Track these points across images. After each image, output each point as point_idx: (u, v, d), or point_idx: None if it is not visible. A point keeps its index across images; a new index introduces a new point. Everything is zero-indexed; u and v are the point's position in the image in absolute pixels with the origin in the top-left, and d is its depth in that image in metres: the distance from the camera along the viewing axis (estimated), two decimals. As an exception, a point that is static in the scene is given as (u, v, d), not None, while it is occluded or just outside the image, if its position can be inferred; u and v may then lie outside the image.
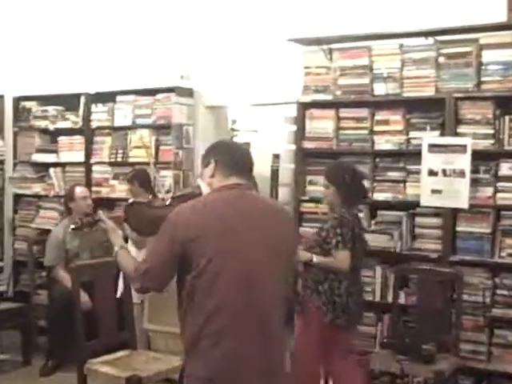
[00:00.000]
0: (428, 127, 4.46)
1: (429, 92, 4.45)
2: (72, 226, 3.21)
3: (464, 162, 4.23)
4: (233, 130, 6.90)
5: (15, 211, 6.55)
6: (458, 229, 4.35)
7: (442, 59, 4.42)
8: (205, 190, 2.48)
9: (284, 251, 2.44)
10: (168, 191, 5.41)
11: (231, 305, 2.25)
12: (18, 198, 6.55)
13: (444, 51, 4.43)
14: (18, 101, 6.55)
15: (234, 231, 2.29)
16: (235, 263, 2.26)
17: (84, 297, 4.33)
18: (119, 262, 2.57)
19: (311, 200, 4.86)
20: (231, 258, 2.26)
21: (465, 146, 4.23)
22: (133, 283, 2.45)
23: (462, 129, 4.34)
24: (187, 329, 2.32)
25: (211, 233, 2.26)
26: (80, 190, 5.41)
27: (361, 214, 4.67)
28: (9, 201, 6.58)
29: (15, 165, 6.56)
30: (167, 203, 2.68)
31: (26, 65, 6.55)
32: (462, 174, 4.24)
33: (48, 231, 5.74)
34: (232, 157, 2.48)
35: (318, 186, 4.85)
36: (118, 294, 4.41)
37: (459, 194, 4.25)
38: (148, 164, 5.60)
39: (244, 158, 2.53)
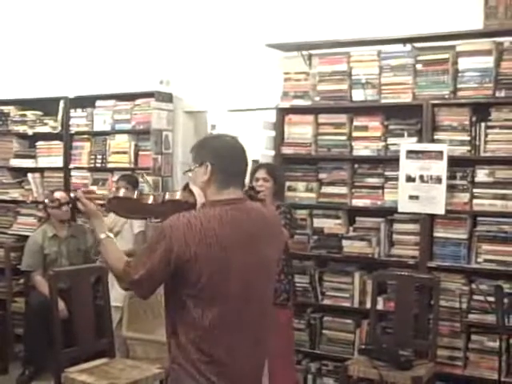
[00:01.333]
0: (406, 133, 4.51)
1: (406, 98, 4.49)
2: (48, 202, 2.90)
3: (441, 168, 4.29)
4: (212, 135, 6.91)
5: (-8, 217, 6.51)
6: (435, 234, 4.40)
7: (419, 66, 4.47)
8: (199, 198, 2.33)
9: (275, 261, 2.43)
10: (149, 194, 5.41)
11: (229, 325, 2.20)
12: (-6, 203, 6.52)
13: (421, 58, 4.48)
14: (-5, 105, 6.52)
15: (230, 252, 2.19)
16: (232, 285, 2.19)
17: (61, 305, 4.31)
18: (104, 253, 2.42)
19: (291, 206, 4.87)
20: (228, 280, 2.18)
21: (441, 153, 4.28)
22: (118, 282, 2.33)
23: (438, 135, 4.40)
24: (178, 340, 2.24)
25: (208, 254, 2.15)
26: (59, 195, 5.39)
27: (339, 221, 4.74)
28: (-14, 206, 6.54)
29: (-7, 170, 6.52)
30: (157, 202, 2.51)
31: (3, 68, 6.53)
32: (438, 180, 4.29)
33: (26, 237, 5.70)
34: (232, 163, 2.29)
35: (297, 192, 4.90)
36: None
37: (436, 200, 4.30)
38: (128, 170, 5.62)
39: (243, 160, 2.34)
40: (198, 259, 2.14)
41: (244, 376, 2.28)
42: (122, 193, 2.58)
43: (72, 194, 2.59)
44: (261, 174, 4.29)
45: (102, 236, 2.43)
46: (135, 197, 2.53)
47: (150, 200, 2.53)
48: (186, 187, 2.43)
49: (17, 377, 5.11)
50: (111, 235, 2.45)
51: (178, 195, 2.46)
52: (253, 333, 2.28)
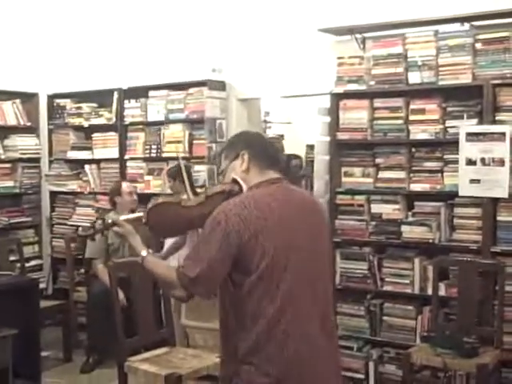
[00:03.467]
0: (465, 115, 4.37)
1: (465, 79, 4.36)
2: (81, 233, 2.94)
3: (503, 150, 4.15)
4: (266, 122, 6.89)
5: (52, 209, 6.63)
6: (499, 218, 4.26)
7: (478, 45, 4.33)
8: (244, 185, 2.29)
9: (326, 243, 2.39)
10: (202, 186, 5.42)
11: (295, 304, 2.14)
12: (54, 195, 6.64)
13: (481, 37, 4.33)
14: (52, 98, 6.63)
15: (288, 226, 2.16)
16: (297, 259, 2.15)
17: (120, 294, 4.36)
18: (151, 269, 2.34)
19: (347, 192, 4.83)
20: (292, 254, 2.14)
21: (503, 134, 4.14)
22: (174, 291, 2.24)
23: (500, 116, 4.25)
24: (241, 336, 2.16)
25: (268, 230, 2.10)
26: (126, 185, 5.51)
27: (397, 206, 4.66)
28: (46, 198, 6.67)
29: (51, 162, 6.64)
30: (199, 202, 2.42)
31: (59, 62, 6.62)
32: (501, 162, 4.16)
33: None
34: (264, 149, 2.34)
35: (353, 177, 4.83)
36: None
37: (499, 183, 4.17)
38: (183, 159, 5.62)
39: (274, 149, 2.41)
40: (259, 236, 2.10)
41: (316, 359, 2.20)
42: (159, 200, 2.50)
43: (109, 220, 2.58)
44: None
45: (144, 253, 2.38)
46: (176, 200, 2.46)
47: (194, 202, 2.44)
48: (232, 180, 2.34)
49: (81, 364, 5.21)
50: (150, 250, 2.41)
51: (221, 187, 2.38)
52: (318, 313, 2.22)
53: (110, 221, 2.55)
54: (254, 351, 2.14)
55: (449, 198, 4.48)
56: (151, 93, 5.96)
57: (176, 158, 5.29)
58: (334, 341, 2.34)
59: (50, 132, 6.63)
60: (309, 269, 2.20)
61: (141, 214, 2.53)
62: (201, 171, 5.58)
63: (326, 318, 2.26)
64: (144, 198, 5.80)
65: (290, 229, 2.17)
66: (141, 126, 6.05)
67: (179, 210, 2.43)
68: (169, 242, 5.00)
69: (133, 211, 5.31)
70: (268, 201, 2.17)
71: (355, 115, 4.78)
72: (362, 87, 4.76)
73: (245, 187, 2.29)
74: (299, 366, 2.16)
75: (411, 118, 4.59)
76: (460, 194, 4.34)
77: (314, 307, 2.20)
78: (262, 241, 2.10)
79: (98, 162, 6.34)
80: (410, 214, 4.65)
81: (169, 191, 5.43)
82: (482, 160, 4.22)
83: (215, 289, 2.20)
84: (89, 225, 2.73)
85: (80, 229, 2.95)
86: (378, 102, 4.72)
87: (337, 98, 4.85)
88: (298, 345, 2.15)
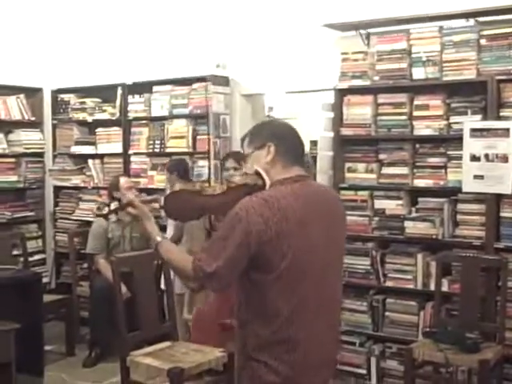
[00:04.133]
0: (469, 111, 4.36)
1: (470, 75, 4.35)
2: (97, 212, 2.81)
3: (507, 146, 4.14)
4: (269, 117, 6.87)
5: (56, 203, 6.64)
6: (502, 215, 4.25)
7: (483, 41, 4.31)
8: (267, 181, 2.23)
9: (343, 243, 2.37)
10: (204, 181, 5.43)
11: (309, 307, 2.13)
12: (57, 190, 6.64)
13: (485, 33, 4.32)
14: (56, 93, 6.63)
15: (309, 228, 2.13)
16: (313, 262, 2.13)
17: (123, 288, 4.36)
18: (166, 256, 2.27)
19: (350, 187, 4.82)
20: (310, 257, 2.12)
21: (508, 130, 4.13)
22: (188, 281, 2.23)
23: (504, 112, 4.23)
24: (252, 332, 2.15)
25: (289, 231, 2.07)
26: (125, 180, 5.50)
27: (400, 201, 4.65)
28: (49, 193, 6.67)
29: (55, 157, 6.65)
30: (219, 192, 2.39)
31: (63, 57, 6.62)
32: (505, 158, 4.15)
33: (88, 223, 5.81)
34: (293, 143, 2.27)
35: (357, 173, 4.83)
36: (163, 285, 4.46)
37: (502, 180, 4.16)
38: (187, 154, 5.63)
39: (301, 142, 2.32)
40: (279, 238, 2.06)
41: (322, 359, 2.22)
42: (177, 187, 2.46)
43: (124, 200, 2.49)
44: (230, 163, 4.41)
45: (159, 239, 2.30)
46: (197, 188, 2.44)
47: (214, 190, 2.43)
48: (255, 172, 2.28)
49: (84, 358, 5.23)
50: (165, 235, 2.34)
51: (244, 179, 2.34)
52: (328, 316, 2.23)
53: (125, 201, 2.48)
54: (263, 349, 2.13)
55: (452, 193, 4.47)
56: (155, 88, 5.96)
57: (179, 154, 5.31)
58: (338, 342, 2.38)
59: (54, 127, 6.64)
60: (325, 274, 2.18)
61: (157, 196, 2.51)
62: (204, 166, 5.57)
63: (334, 323, 2.28)
64: (148, 194, 5.82)
65: (310, 233, 2.13)
66: (144, 121, 6.05)
67: (197, 198, 2.38)
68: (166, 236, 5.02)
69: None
70: (291, 201, 2.12)
71: (359, 111, 4.77)
72: (366, 83, 4.75)
73: (268, 182, 2.23)
74: (306, 369, 2.16)
75: (415, 113, 4.58)
76: (463, 189, 4.33)
77: (323, 311, 2.20)
78: (282, 243, 2.06)
79: (101, 156, 6.34)
80: (413, 209, 4.64)
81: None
82: (486, 156, 4.21)
83: (230, 285, 2.17)
84: (104, 204, 2.60)
85: (95, 208, 2.84)
86: (381, 98, 4.71)
87: (341, 93, 4.84)
88: (308, 349, 2.15)
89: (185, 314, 4.79)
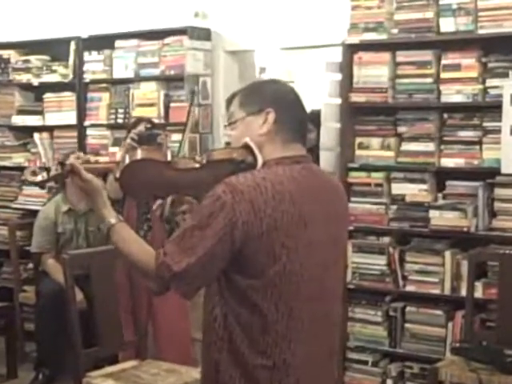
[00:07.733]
0: (510, 73, 4.40)
1: (511, 27, 4.37)
2: (30, 178, 2.50)
3: (557, 116, 4.18)
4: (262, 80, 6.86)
5: (-8, 188, 6.63)
6: (551, 202, 4.32)
7: (528, -16, 4.35)
8: (260, 158, 2.16)
9: (345, 246, 2.41)
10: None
11: (303, 324, 2.12)
12: (-5, 171, 6.64)
13: (531, -26, 4.35)
14: (-8, 49, 6.60)
15: (309, 224, 2.10)
16: (311, 268, 2.11)
17: (78, 295, 4.36)
18: (121, 244, 2.21)
19: (362, 168, 4.84)
20: (307, 262, 2.10)
21: (558, 96, 4.18)
22: (150, 281, 2.12)
23: (554, 74, 4.29)
24: (233, 343, 2.10)
25: (285, 226, 2.04)
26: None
27: (424, 186, 4.67)
28: (-16, 175, 6.66)
29: (-9, 130, 6.63)
30: (196, 166, 2.24)
31: (1, 5, 6.58)
32: (554, 131, 4.20)
33: (34, 212, 5.80)
34: (298, 113, 2.22)
35: (370, 150, 4.86)
36: None
37: (551, 158, 4.20)
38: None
39: (306, 114, 2.29)
40: (271, 234, 2.03)
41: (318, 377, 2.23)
42: (139, 154, 2.25)
43: (66, 162, 2.31)
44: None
45: (113, 221, 2.23)
46: (167, 159, 2.24)
47: (189, 163, 2.26)
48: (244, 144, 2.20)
49: (29, 382, 5.22)
50: (121, 217, 2.26)
51: (229, 152, 2.22)
52: (328, 334, 2.25)
53: (67, 164, 2.29)
54: (244, 376, 2.10)
55: (488, 176, 4.51)
56: (118, 43, 5.95)
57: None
58: (336, 359, 2.37)
59: (-10, 91, 6.62)
60: (323, 285, 2.18)
61: (112, 164, 2.36)
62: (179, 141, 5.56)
63: (333, 341, 2.29)
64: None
65: (310, 232, 2.11)
66: (104, 85, 6.07)
67: (166, 172, 2.25)
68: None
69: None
70: (290, 188, 2.08)
71: (373, 72, 4.80)
72: (382, 37, 4.78)
73: (260, 160, 2.16)
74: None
75: (443, 75, 4.61)
76: (502, 171, 4.37)
77: (323, 336, 2.21)
78: (274, 241, 2.04)
79: (50, 129, 6.34)
80: (439, 196, 4.68)
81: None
82: (531, 128, 4.26)
83: (201, 288, 2.13)
84: (41, 168, 2.32)
85: (28, 171, 2.43)
86: (401, 56, 4.74)
87: (350, 50, 4.86)
88: (301, 377, 2.14)
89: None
